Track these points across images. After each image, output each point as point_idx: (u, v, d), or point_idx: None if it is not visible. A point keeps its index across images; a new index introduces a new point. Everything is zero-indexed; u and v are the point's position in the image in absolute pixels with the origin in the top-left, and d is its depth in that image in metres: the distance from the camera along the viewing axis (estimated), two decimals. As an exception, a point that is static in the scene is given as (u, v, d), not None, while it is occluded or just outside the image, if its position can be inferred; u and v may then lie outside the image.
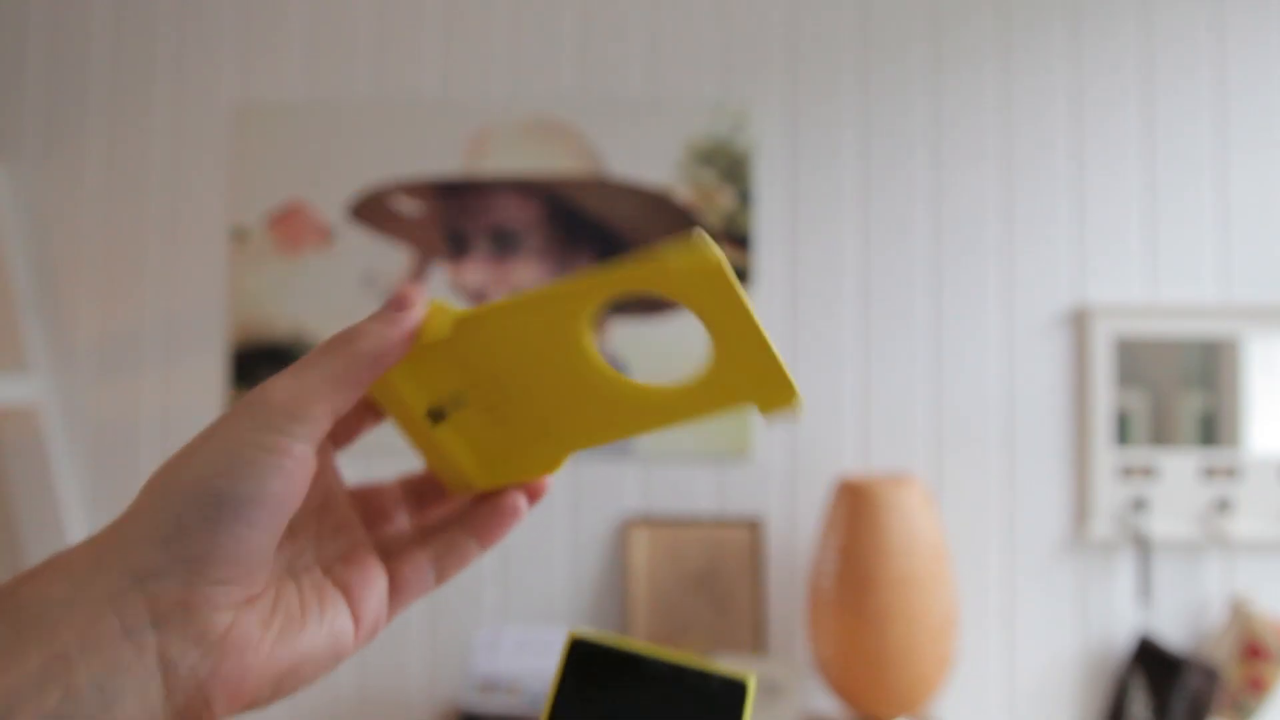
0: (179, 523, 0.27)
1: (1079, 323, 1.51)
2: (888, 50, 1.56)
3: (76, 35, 1.62)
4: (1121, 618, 1.48)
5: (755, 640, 1.47)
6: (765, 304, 1.53)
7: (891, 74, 1.55)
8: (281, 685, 0.30)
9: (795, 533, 1.51)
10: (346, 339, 0.31)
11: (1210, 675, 1.33)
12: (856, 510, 1.32)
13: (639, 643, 0.32)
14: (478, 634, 1.41)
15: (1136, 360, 1.49)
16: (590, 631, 0.32)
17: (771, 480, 1.51)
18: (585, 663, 0.32)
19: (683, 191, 1.54)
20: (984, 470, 1.51)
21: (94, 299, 1.59)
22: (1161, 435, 1.48)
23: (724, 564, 1.49)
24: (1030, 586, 1.49)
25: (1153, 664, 1.39)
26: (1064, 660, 1.48)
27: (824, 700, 1.47)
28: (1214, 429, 1.48)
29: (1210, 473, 1.46)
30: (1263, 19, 1.53)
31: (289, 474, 0.29)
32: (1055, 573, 1.49)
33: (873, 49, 1.56)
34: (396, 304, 0.32)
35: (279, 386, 0.30)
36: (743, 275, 1.53)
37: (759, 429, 1.52)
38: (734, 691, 0.32)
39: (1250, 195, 1.51)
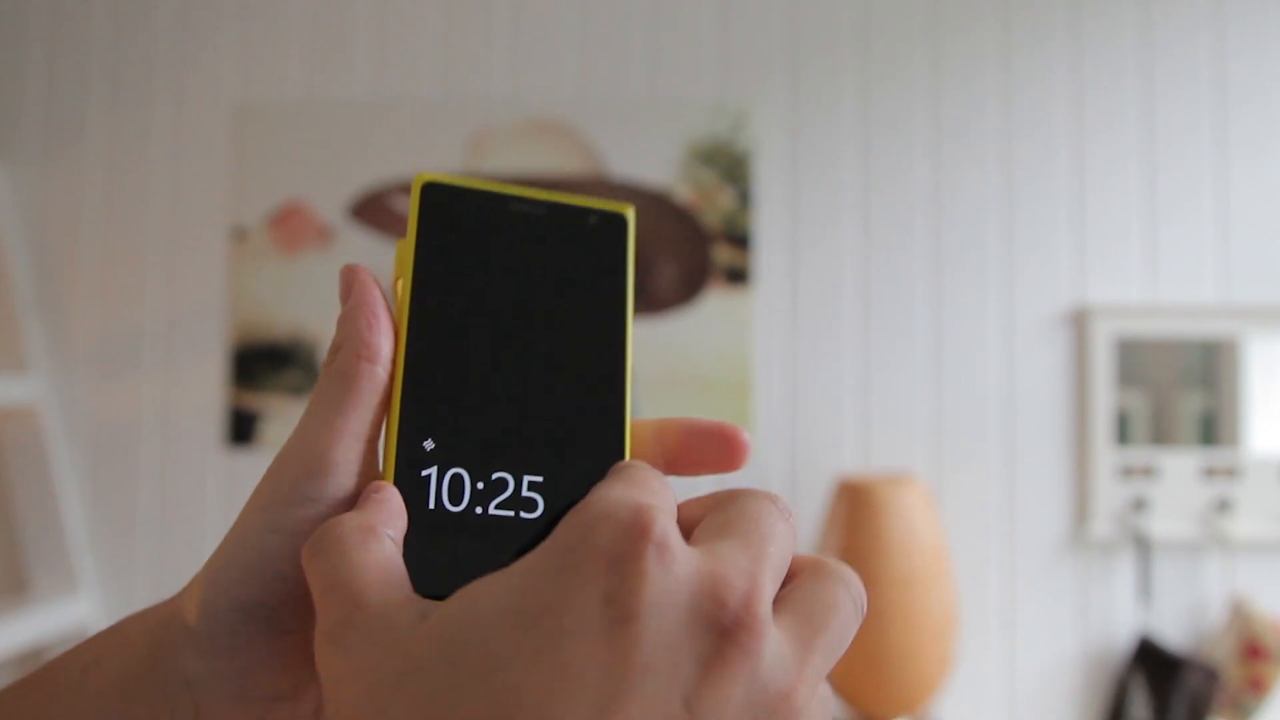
0: (209, 633, 0.24)
1: (1079, 323, 1.51)
2: (888, 50, 1.56)
3: (76, 35, 1.62)
4: (1121, 618, 1.48)
5: (755, 640, 1.46)
6: (765, 304, 1.53)
7: (892, 74, 1.55)
8: None
9: (795, 533, 1.51)
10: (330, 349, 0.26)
11: (1210, 675, 1.33)
12: (856, 510, 1.32)
13: (501, 184, 0.28)
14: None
15: (1136, 360, 1.49)
16: (441, 174, 0.28)
17: (771, 480, 1.51)
18: (444, 211, 0.27)
19: (683, 192, 1.54)
20: (984, 470, 1.51)
21: (94, 299, 1.59)
22: (1161, 435, 1.48)
23: (724, 564, 1.48)
24: (1030, 586, 1.49)
25: (1153, 664, 1.39)
26: (1064, 660, 1.48)
27: (824, 700, 1.47)
28: (1214, 429, 1.48)
29: (1210, 473, 1.46)
30: (1263, 21, 1.53)
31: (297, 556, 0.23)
32: (1055, 573, 1.49)
33: (873, 49, 1.56)
34: (343, 291, 0.26)
35: (291, 438, 0.25)
36: (743, 275, 1.53)
37: (759, 428, 1.51)
38: (614, 225, 0.29)
39: (1250, 195, 1.51)
